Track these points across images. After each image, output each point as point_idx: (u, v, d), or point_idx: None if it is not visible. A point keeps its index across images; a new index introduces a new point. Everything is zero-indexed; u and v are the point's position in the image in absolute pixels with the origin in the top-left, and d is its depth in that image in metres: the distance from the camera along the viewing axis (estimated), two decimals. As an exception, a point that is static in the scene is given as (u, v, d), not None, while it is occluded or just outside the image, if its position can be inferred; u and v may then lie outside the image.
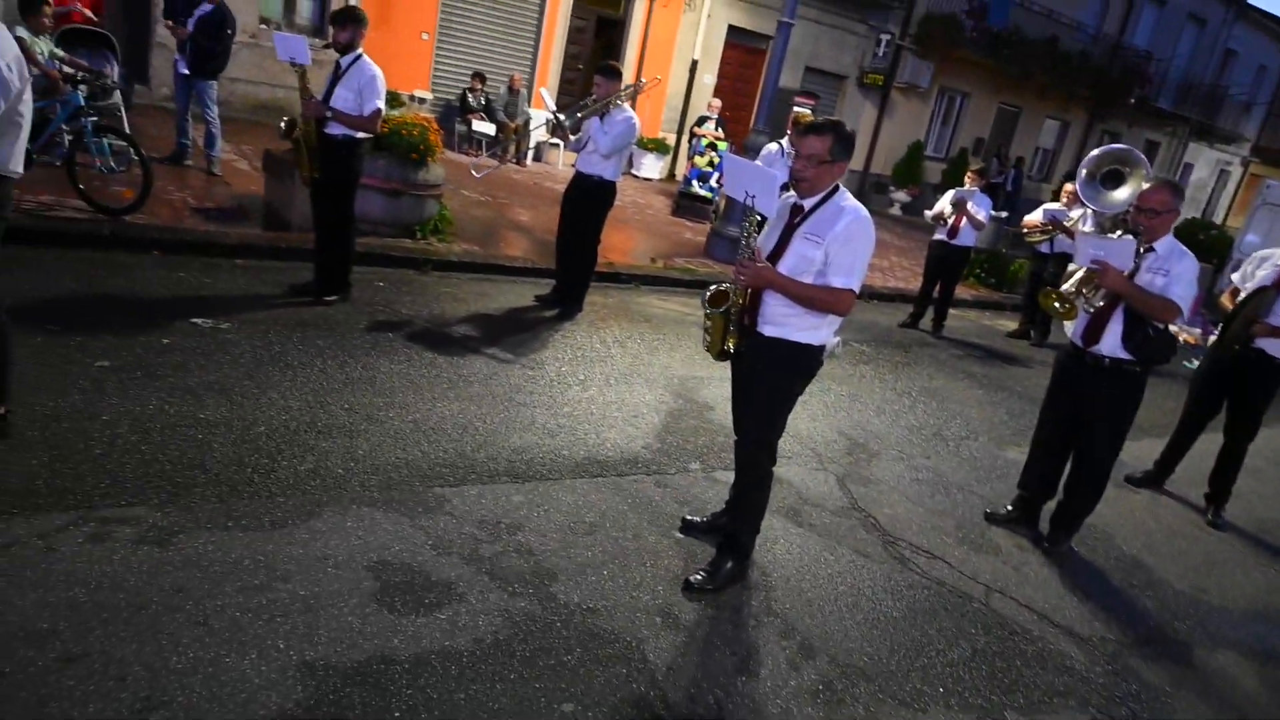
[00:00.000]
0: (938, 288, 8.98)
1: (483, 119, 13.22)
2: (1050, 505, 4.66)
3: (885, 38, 17.83)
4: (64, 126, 6.63)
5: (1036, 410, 4.74)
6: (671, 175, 15.79)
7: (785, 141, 7.62)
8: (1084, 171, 5.27)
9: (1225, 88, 25.76)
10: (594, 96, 6.35)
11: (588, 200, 6.51)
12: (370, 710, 2.46)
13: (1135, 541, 4.91)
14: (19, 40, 6.47)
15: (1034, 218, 8.58)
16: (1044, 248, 8.81)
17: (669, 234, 10.84)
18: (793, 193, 3.34)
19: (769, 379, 3.39)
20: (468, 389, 4.82)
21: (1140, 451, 6.05)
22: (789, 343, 3.31)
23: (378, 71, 5.40)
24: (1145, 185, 4.17)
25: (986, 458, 5.68)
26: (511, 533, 3.51)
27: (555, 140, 13.48)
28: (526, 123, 13.25)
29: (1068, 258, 6.08)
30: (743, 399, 3.56)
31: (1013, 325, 10.17)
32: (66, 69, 6.86)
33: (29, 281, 4.96)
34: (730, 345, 3.43)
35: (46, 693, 2.27)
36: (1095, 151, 5.32)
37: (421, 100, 13.03)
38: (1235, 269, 5.62)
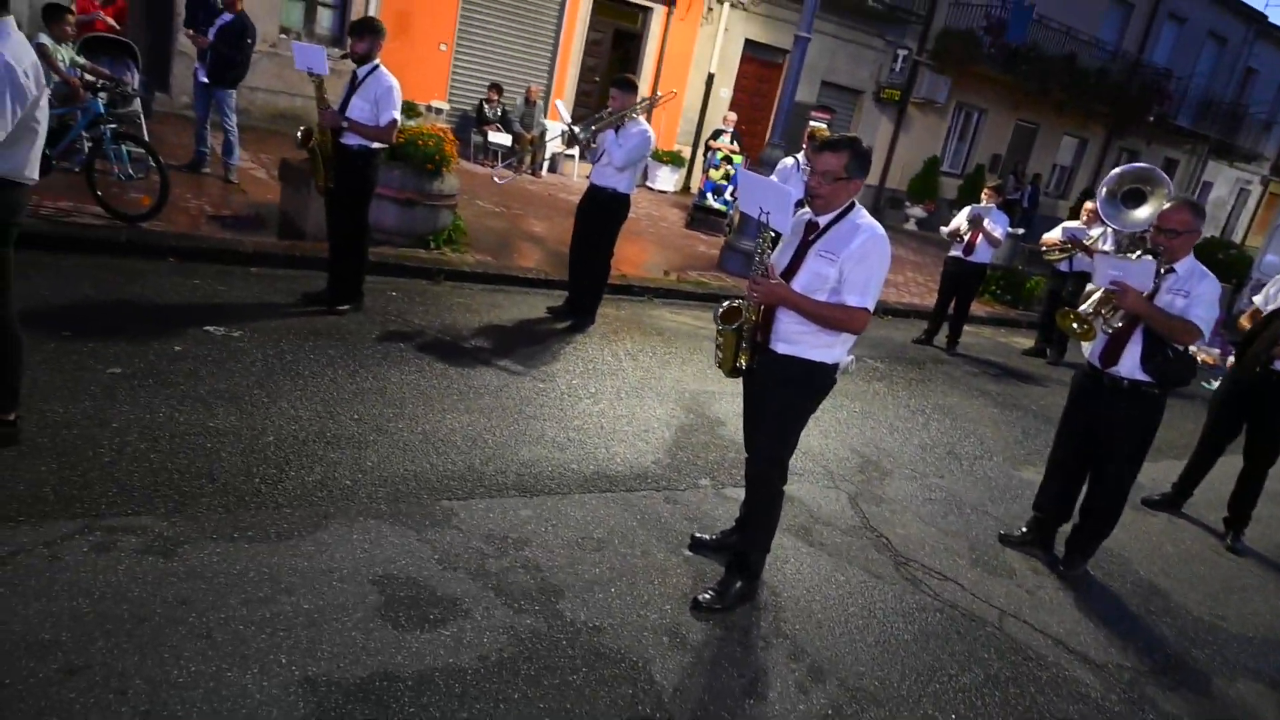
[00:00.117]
0: (953, 304, 8.92)
1: (499, 130, 13.28)
2: (1066, 528, 4.59)
3: (902, 53, 17.81)
4: (84, 133, 6.70)
5: (1052, 429, 4.68)
6: (686, 188, 15.80)
7: (801, 156, 7.60)
8: (1104, 190, 5.21)
9: (1245, 106, 25.59)
10: (609, 109, 6.36)
11: (601, 212, 6.50)
12: (372, 728, 2.43)
13: (1152, 566, 4.83)
14: (41, 47, 6.59)
15: (1053, 235, 8.51)
16: (1063, 266, 8.73)
17: (683, 247, 10.82)
18: (808, 209, 3.31)
19: (781, 397, 3.35)
20: (478, 401, 4.80)
21: (1158, 473, 5.96)
22: (802, 360, 3.27)
23: (394, 82, 5.41)
24: (1166, 205, 4.12)
25: (1001, 477, 5.61)
26: (519, 548, 3.48)
27: (570, 152, 13.58)
28: (542, 134, 13.31)
29: (1087, 276, 6.01)
30: (754, 416, 3.52)
31: (1028, 343, 10.08)
32: (88, 76, 6.93)
33: (46, 287, 4.98)
34: (743, 362, 3.40)
35: (46, 705, 2.26)
36: (1116, 170, 5.27)
37: (438, 111, 13.10)
38: (1255, 289, 5.55)
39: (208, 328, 4.93)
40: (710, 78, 15.70)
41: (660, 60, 15.06)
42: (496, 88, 13.32)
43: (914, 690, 3.23)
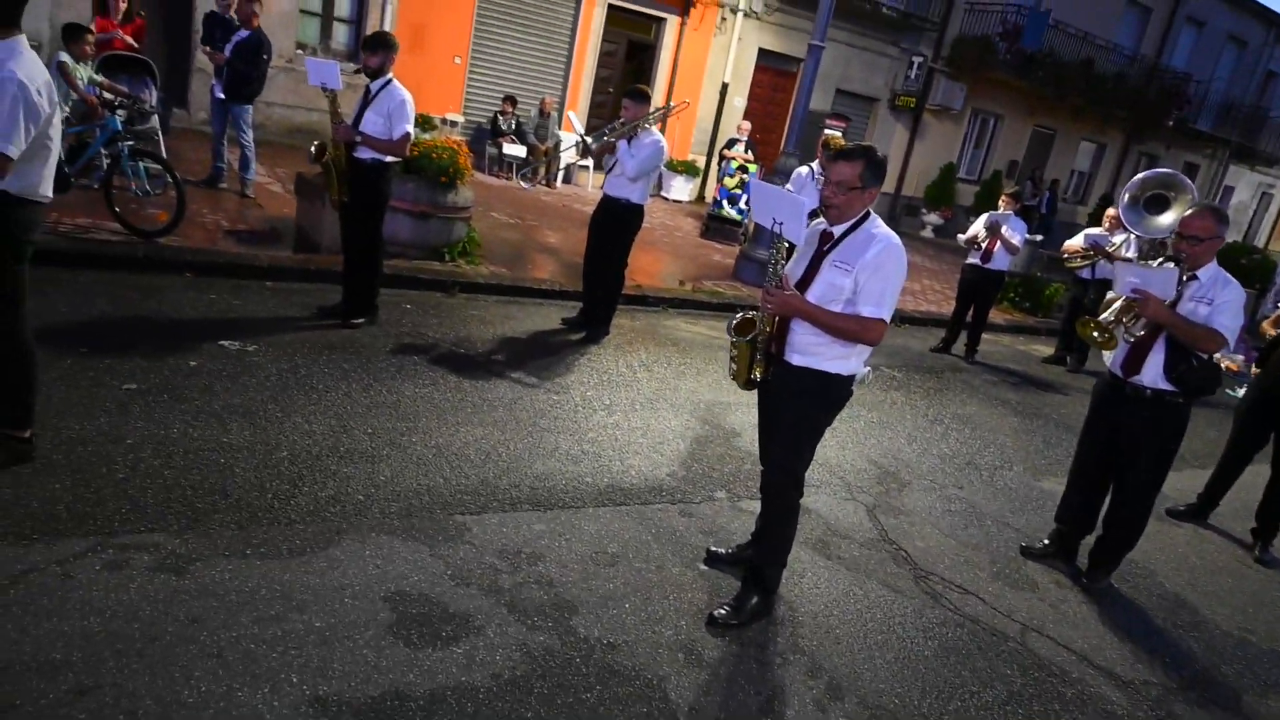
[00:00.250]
0: (971, 312, 8.83)
1: (513, 141, 13.32)
2: (1089, 540, 4.50)
3: (918, 60, 17.74)
4: (102, 150, 6.76)
5: (1074, 439, 4.60)
6: (701, 197, 15.78)
7: (815, 164, 7.57)
8: (1127, 196, 5.13)
9: (1266, 109, 25.29)
10: (622, 119, 6.35)
11: (615, 223, 6.48)
12: (383, 748, 2.40)
13: (1178, 579, 4.73)
14: (62, 65, 6.67)
15: (1075, 243, 8.41)
16: (1085, 273, 8.63)
17: (697, 256, 10.80)
18: (822, 219, 3.27)
19: (796, 409, 3.31)
20: (491, 414, 4.78)
21: (1183, 483, 5.85)
22: (818, 372, 3.22)
23: (407, 96, 5.43)
24: (1188, 211, 4.05)
25: (1022, 488, 5.53)
26: (532, 563, 3.45)
27: (585, 163, 13.58)
28: (557, 145, 13.34)
29: (1109, 284, 5.93)
30: (769, 429, 3.48)
31: (1048, 350, 9.98)
32: (106, 95, 7.00)
33: (63, 303, 5.02)
34: (757, 374, 3.36)
35: (57, 725, 2.24)
36: (1139, 176, 5.19)
37: (453, 123, 13.16)
38: (1279, 297, 5.44)
39: (223, 342, 4.95)
40: (724, 87, 15.69)
41: (674, 71, 15.08)
42: (511, 100, 13.38)
43: (935, 708, 3.16)
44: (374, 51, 5.41)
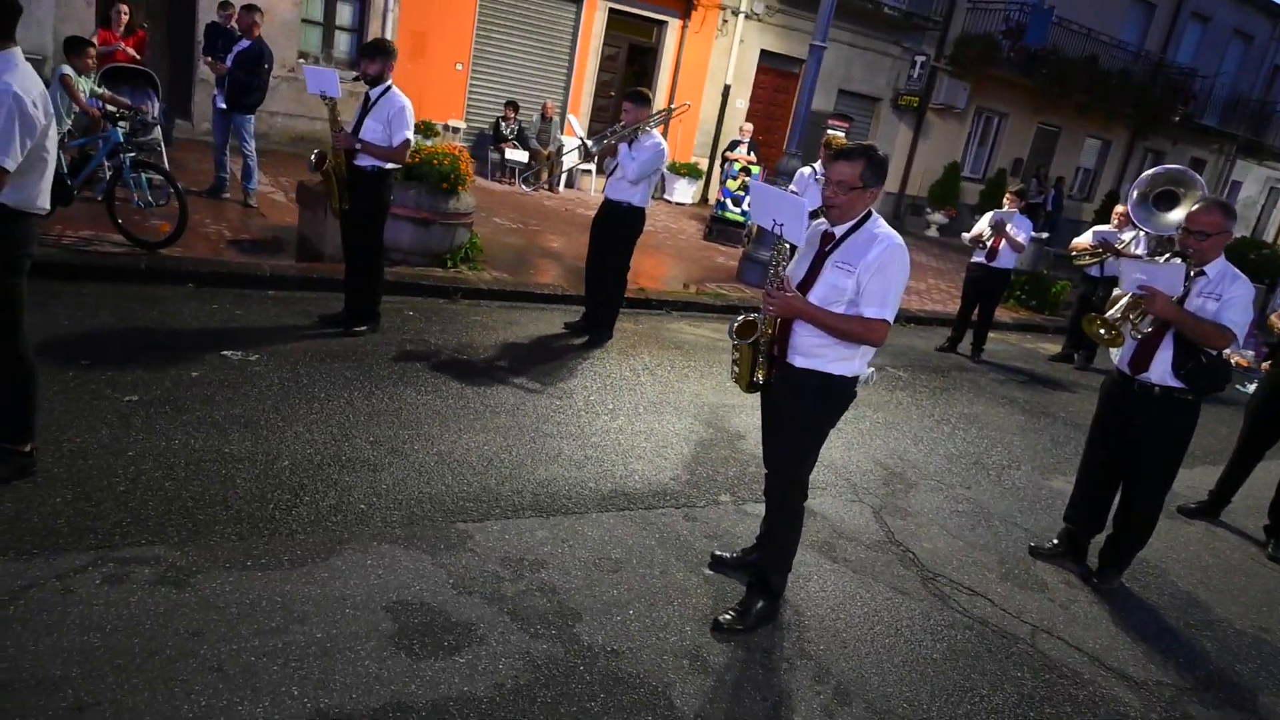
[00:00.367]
0: (976, 311, 8.78)
1: (516, 147, 13.33)
2: (1099, 539, 4.46)
3: (920, 59, 17.68)
4: (105, 162, 6.78)
5: (1082, 437, 4.56)
6: (704, 200, 15.77)
7: (818, 165, 7.54)
8: (1136, 192, 5.09)
9: (1273, 103, 25.13)
10: (623, 122, 6.33)
11: (617, 226, 6.46)
12: (384, 761, 2.38)
13: (1191, 577, 4.68)
14: (65, 78, 6.69)
15: (1083, 240, 8.36)
16: (1094, 271, 8.57)
17: (701, 259, 10.77)
18: (823, 219, 3.24)
19: (800, 412, 3.28)
20: (494, 420, 4.76)
21: (1194, 480, 5.80)
22: (820, 374, 3.19)
23: (407, 103, 5.42)
24: (1195, 206, 4.01)
25: (1030, 488, 5.48)
26: (535, 570, 3.42)
27: (588, 167, 13.59)
28: (559, 149, 13.34)
29: (1118, 281, 5.89)
30: (773, 431, 3.45)
31: (1055, 348, 9.91)
32: (108, 107, 7.02)
33: (65, 316, 5.02)
34: (759, 377, 3.33)
35: (55, 741, 2.23)
36: (1148, 172, 5.15)
37: (455, 130, 13.18)
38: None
39: (225, 352, 4.94)
40: (726, 89, 15.68)
41: (676, 73, 15.07)
42: (513, 105, 13.39)
43: (944, 712, 3.12)
44: (373, 59, 5.41)
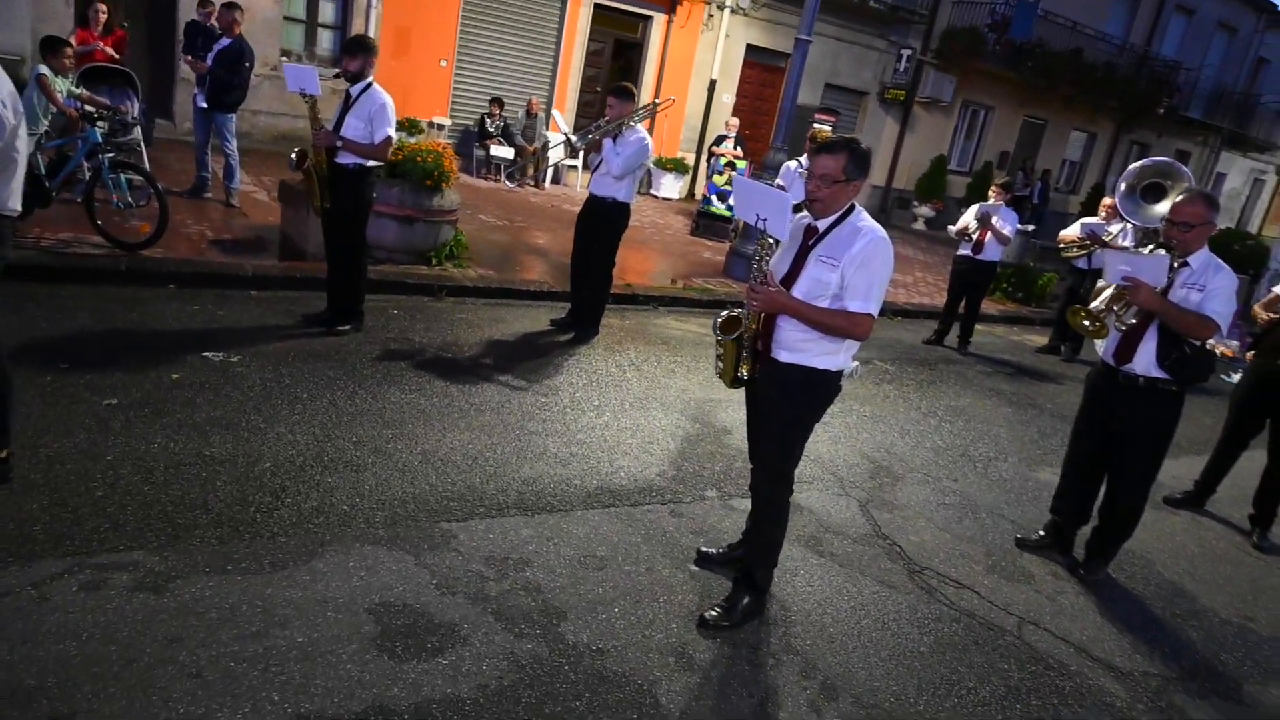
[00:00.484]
0: (963, 303, 8.79)
1: (501, 143, 13.27)
2: (1085, 530, 4.46)
3: (906, 52, 17.69)
4: (84, 163, 6.70)
5: (1069, 429, 4.55)
6: (691, 195, 15.74)
7: (804, 159, 7.52)
8: (1124, 185, 5.10)
9: (1258, 95, 25.27)
10: (607, 118, 6.29)
11: (601, 222, 6.43)
12: (366, 765, 2.35)
13: (1176, 567, 4.69)
14: (41, 78, 6.60)
15: (1071, 232, 8.37)
16: (1081, 263, 8.58)
17: (688, 254, 10.75)
18: (806, 213, 3.22)
19: (785, 406, 3.26)
20: (479, 418, 4.73)
21: (1179, 470, 5.82)
22: (805, 369, 3.18)
23: (388, 100, 5.38)
24: (1179, 197, 4.01)
25: (1017, 479, 5.49)
26: (519, 569, 3.40)
27: (574, 163, 13.54)
28: (545, 145, 13.29)
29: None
30: (758, 427, 3.43)
31: (1042, 340, 9.94)
32: (87, 107, 6.93)
33: (43, 319, 4.96)
34: (744, 372, 3.31)
35: (30, 751, 2.19)
36: (1135, 165, 5.16)
37: (440, 126, 13.11)
38: (1274, 280, 5.42)
39: (206, 354, 4.89)
40: (712, 84, 15.64)
41: (662, 68, 15.03)
42: (498, 101, 13.32)
43: (931, 705, 3.12)
44: (353, 55, 5.36)
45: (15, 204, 3.13)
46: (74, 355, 4.54)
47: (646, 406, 5.43)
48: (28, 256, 5.58)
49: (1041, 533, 4.57)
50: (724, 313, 3.32)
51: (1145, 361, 3.92)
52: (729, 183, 12.02)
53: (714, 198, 12.27)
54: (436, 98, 13.27)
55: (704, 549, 3.78)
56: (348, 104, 5.39)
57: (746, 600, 3.40)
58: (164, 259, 6.20)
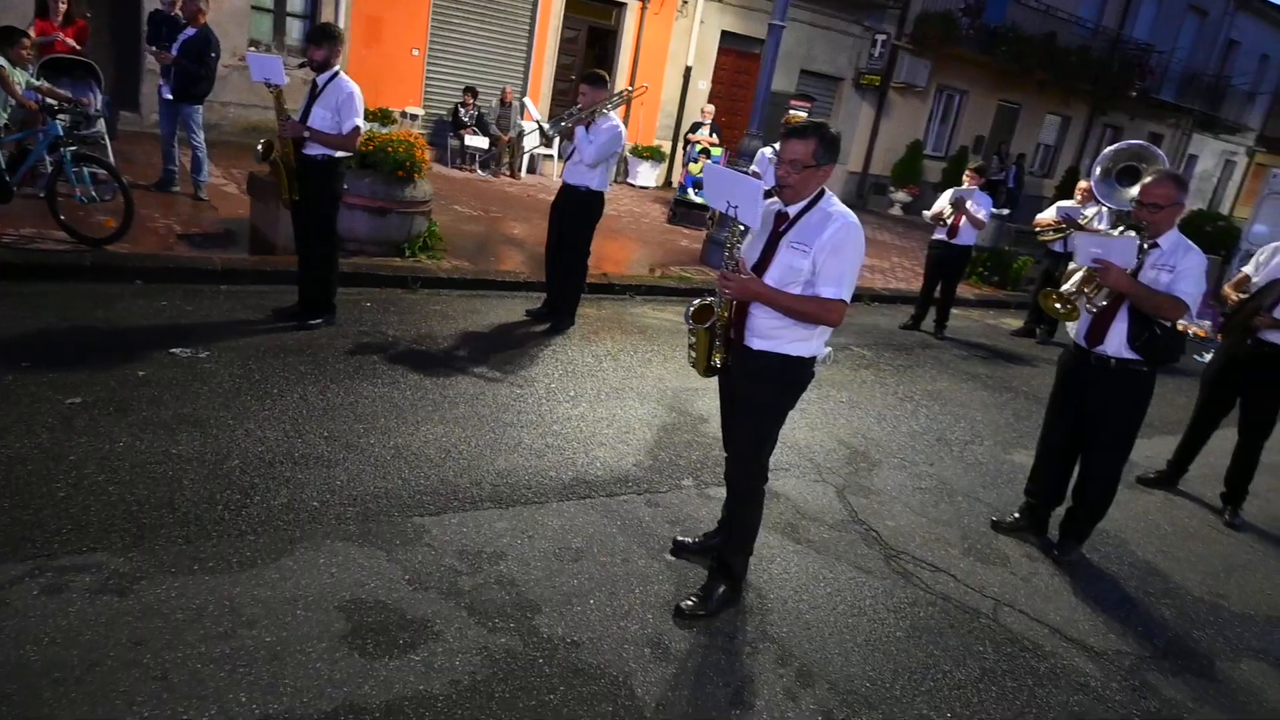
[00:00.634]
0: (939, 288, 8.82)
1: (475, 133, 13.15)
2: (1060, 511, 4.49)
3: (881, 37, 17.69)
4: (45, 157, 6.56)
5: (1044, 411, 4.57)
6: (668, 183, 15.69)
7: (778, 145, 7.49)
8: (1099, 168, 5.11)
9: (1228, 78, 25.53)
10: (579, 105, 6.24)
11: (576, 211, 6.38)
12: (337, 764, 2.32)
13: (1150, 546, 4.74)
14: (-1, 69, 6.44)
15: (1047, 216, 8.40)
16: (1057, 246, 8.62)
17: (665, 242, 10.71)
18: (776, 199, 3.20)
19: (758, 394, 3.24)
20: (453, 411, 4.68)
21: (1153, 450, 5.87)
22: (778, 356, 3.15)
23: (355, 89, 5.29)
24: (1147, 179, 4.01)
25: (992, 462, 5.51)
26: (493, 563, 3.36)
27: (549, 152, 13.46)
28: (520, 135, 13.19)
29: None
30: (732, 415, 3.41)
31: (1018, 323, 10.00)
32: (48, 100, 6.78)
33: (5, 316, 4.85)
34: (717, 361, 3.29)
35: (-12, 760, 2.14)
36: (1110, 148, 5.17)
37: (414, 117, 12.97)
38: (1244, 260, 5.46)
39: (173, 350, 4.81)
40: (688, 71, 15.58)
41: (636, 55, 14.94)
42: (472, 91, 13.19)
43: (907, 690, 3.13)
44: (318, 44, 5.27)
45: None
46: (36, 353, 4.45)
47: (623, 396, 5.40)
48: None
49: (1016, 514, 4.60)
50: (696, 301, 3.29)
51: (1116, 343, 3.94)
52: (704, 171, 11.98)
53: (690, 187, 12.22)
54: (409, 87, 13.12)
55: (680, 538, 3.76)
56: (314, 94, 5.30)
57: (722, 589, 3.39)
58: (130, 254, 6.09)
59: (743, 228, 3.11)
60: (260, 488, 3.57)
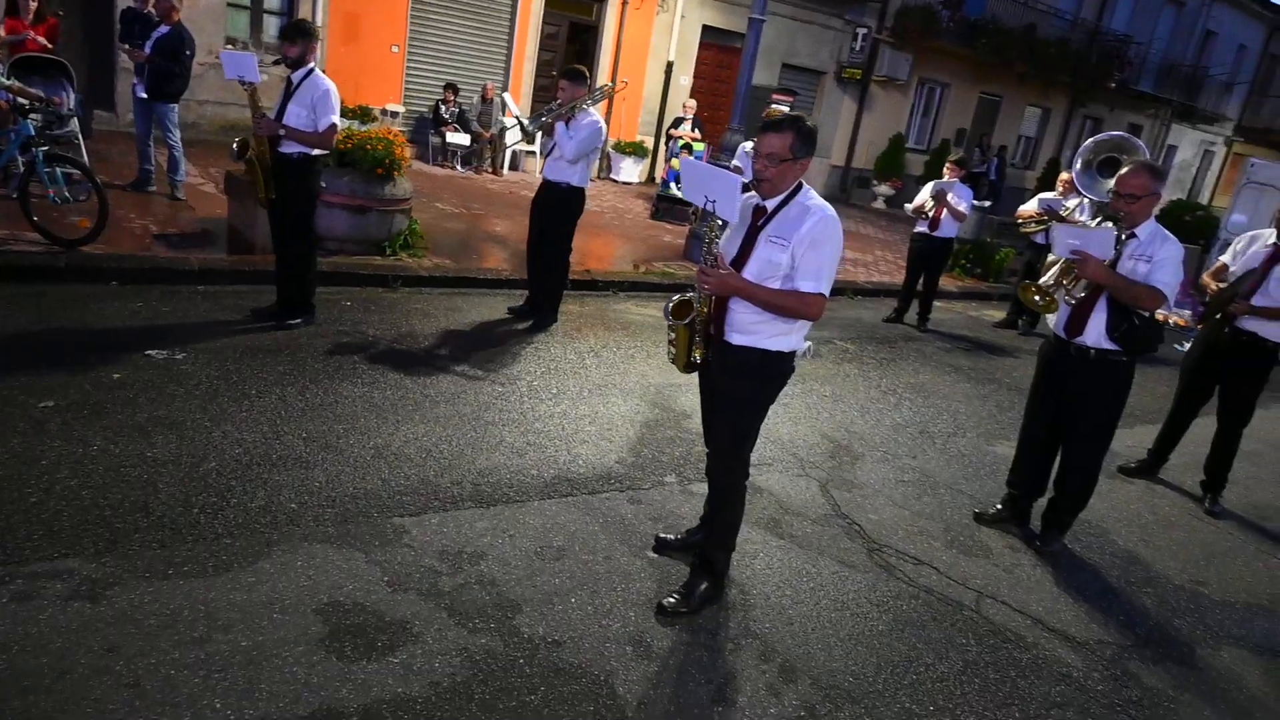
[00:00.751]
0: (921, 281, 8.83)
1: (457, 130, 13.07)
2: (1042, 502, 4.50)
3: (862, 31, 17.71)
4: (17, 157, 6.46)
5: (1025, 402, 4.58)
6: (651, 178, 15.65)
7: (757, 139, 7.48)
8: (1080, 160, 5.13)
9: (1206, 68, 25.72)
10: (559, 101, 6.20)
11: (557, 207, 6.35)
12: (314, 770, 2.29)
13: (1131, 535, 4.76)
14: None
15: (1029, 208, 8.42)
16: (1039, 238, 8.63)
17: (648, 238, 10.69)
18: (754, 193, 3.18)
19: (738, 389, 3.23)
20: (433, 410, 4.65)
21: (1134, 439, 5.91)
22: (758, 351, 3.14)
23: (331, 86, 5.24)
24: (1124, 169, 4.02)
25: (975, 454, 5.53)
26: (473, 563, 3.34)
27: (531, 148, 13.39)
28: (501, 132, 13.12)
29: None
30: (712, 411, 3.40)
31: (1000, 315, 10.04)
32: (19, 99, 6.68)
33: (-25, 319, 4.78)
34: (697, 356, 3.27)
35: (-44, 772, 2.10)
36: (1091, 139, 5.19)
37: (394, 114, 12.88)
38: (1223, 249, 5.49)
39: (149, 352, 4.75)
40: (669, 66, 15.54)
41: (618, 51, 14.89)
42: (452, 88, 13.11)
43: (890, 683, 3.12)
44: (293, 41, 5.21)
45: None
46: (9, 356, 4.38)
47: (605, 393, 5.38)
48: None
49: (999, 506, 4.61)
50: (675, 297, 3.27)
51: (1095, 333, 3.95)
52: (686, 165, 11.96)
53: (672, 182, 12.20)
54: (389, 84, 13.03)
55: (662, 535, 3.75)
56: (289, 91, 5.25)
57: (705, 585, 3.37)
58: (105, 255, 6.01)
59: (721, 222, 3.09)
60: (237, 490, 3.53)
